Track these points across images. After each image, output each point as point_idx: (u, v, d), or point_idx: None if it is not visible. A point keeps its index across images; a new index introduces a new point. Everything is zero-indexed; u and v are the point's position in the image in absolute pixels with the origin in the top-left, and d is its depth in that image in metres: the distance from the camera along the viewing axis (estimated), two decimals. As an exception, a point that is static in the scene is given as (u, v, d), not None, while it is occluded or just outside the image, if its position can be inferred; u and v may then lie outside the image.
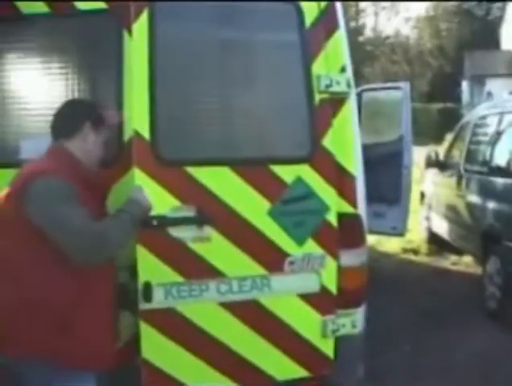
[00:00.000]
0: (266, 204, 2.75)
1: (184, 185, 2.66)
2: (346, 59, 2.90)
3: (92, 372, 2.37)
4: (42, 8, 2.85)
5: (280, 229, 2.77)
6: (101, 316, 2.37)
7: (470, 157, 6.69)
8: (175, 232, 2.65)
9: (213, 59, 2.87)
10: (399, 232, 5.58)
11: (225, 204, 2.70)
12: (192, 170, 2.67)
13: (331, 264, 2.86)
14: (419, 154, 7.88)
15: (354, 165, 2.90)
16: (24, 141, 2.89)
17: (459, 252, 7.32)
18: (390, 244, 8.01)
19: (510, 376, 4.18)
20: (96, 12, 2.84)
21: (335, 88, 2.83)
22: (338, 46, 2.88)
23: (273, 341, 2.81)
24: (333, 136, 2.82)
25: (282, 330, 2.81)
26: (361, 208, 2.94)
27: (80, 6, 2.85)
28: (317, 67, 2.82)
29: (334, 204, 2.83)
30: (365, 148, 3.14)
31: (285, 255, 2.79)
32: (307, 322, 2.86)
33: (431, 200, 8.18)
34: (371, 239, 6.71)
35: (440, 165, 7.79)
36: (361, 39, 42.70)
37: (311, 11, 2.84)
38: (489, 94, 26.67)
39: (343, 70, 2.87)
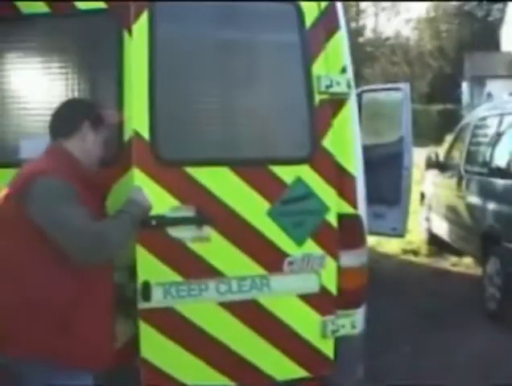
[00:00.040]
0: (265, 204, 2.75)
1: (184, 185, 2.66)
2: (347, 60, 2.90)
3: (91, 372, 2.37)
4: (42, 8, 2.85)
5: (279, 229, 2.77)
6: (100, 316, 2.37)
7: (470, 158, 6.69)
8: (175, 232, 2.65)
9: (213, 60, 2.87)
10: (399, 233, 5.58)
11: (224, 204, 2.70)
12: (191, 170, 2.67)
13: (331, 265, 2.85)
14: (419, 156, 7.88)
15: (354, 165, 2.90)
16: (24, 140, 2.89)
17: (459, 253, 7.32)
18: (390, 245, 8.01)
19: (510, 377, 4.17)
20: (96, 12, 2.83)
21: (335, 89, 2.83)
22: (339, 46, 2.88)
23: (272, 341, 2.80)
24: (333, 136, 2.82)
25: (281, 330, 2.81)
26: (362, 209, 2.93)
27: (80, 6, 2.84)
28: (317, 68, 2.82)
29: (334, 205, 2.83)
30: (366, 149, 3.14)
31: (284, 255, 2.79)
32: (306, 323, 2.86)
33: (431, 201, 8.18)
34: (371, 240, 6.70)
35: (440, 166, 7.79)
36: (361, 39, 42.74)
37: (311, 11, 2.84)
38: (489, 95, 26.70)
39: (343, 70, 2.87)
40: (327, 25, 2.86)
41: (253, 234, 2.74)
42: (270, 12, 2.87)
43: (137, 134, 2.60)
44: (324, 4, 2.86)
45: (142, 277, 2.60)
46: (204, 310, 2.73)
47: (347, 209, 2.88)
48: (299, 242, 2.80)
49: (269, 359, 2.81)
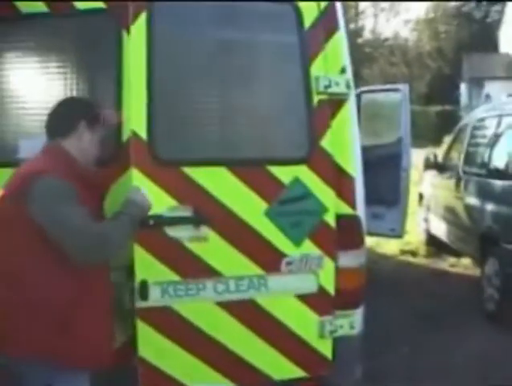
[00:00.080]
0: (263, 205, 2.75)
1: (181, 185, 2.67)
2: (346, 60, 2.90)
3: (90, 371, 2.37)
4: (41, 8, 2.85)
5: (277, 229, 2.77)
6: (100, 316, 2.37)
7: (469, 159, 6.69)
8: (172, 232, 2.65)
9: (211, 60, 2.87)
10: (397, 233, 5.58)
11: (221, 204, 2.70)
12: (188, 170, 2.67)
13: (329, 265, 2.85)
14: (417, 157, 7.87)
15: (353, 166, 2.90)
16: (23, 140, 2.89)
17: (457, 253, 7.32)
18: (389, 246, 8.01)
19: (509, 378, 4.18)
20: (94, 12, 2.83)
21: (334, 89, 2.83)
22: (338, 47, 2.88)
23: (270, 341, 2.80)
24: (332, 137, 2.82)
25: (279, 330, 2.81)
26: (360, 209, 2.93)
27: (79, 5, 2.84)
28: (316, 68, 2.82)
29: (332, 205, 2.83)
30: (364, 150, 3.14)
31: (282, 255, 2.79)
32: (304, 323, 2.86)
33: (429, 202, 8.18)
34: (369, 240, 6.69)
35: (439, 167, 7.80)
36: (360, 40, 42.70)
37: (310, 12, 2.83)
38: (488, 96, 26.72)
39: (342, 71, 2.87)
40: (326, 25, 2.86)
41: (251, 234, 2.74)
42: (268, 12, 2.87)
43: (134, 134, 2.60)
44: (323, 4, 2.86)
45: (139, 276, 2.61)
46: (202, 309, 2.73)
47: (346, 210, 2.88)
48: (297, 242, 2.80)
49: (266, 358, 2.81)
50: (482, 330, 5.15)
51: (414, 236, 8.42)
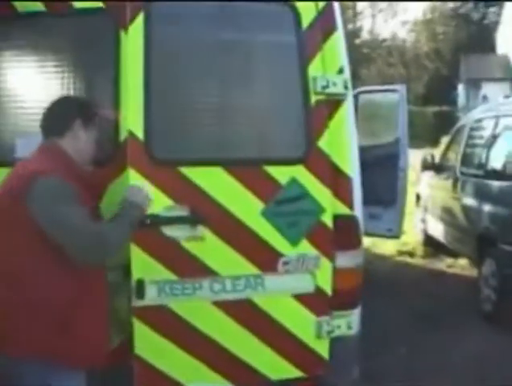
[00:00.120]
0: (259, 205, 2.75)
1: (178, 185, 2.67)
2: (344, 61, 2.90)
3: (88, 371, 2.37)
4: (38, 7, 2.84)
5: (274, 229, 2.77)
6: (99, 316, 2.37)
7: (466, 160, 6.70)
8: (169, 231, 2.66)
9: (208, 60, 2.86)
10: (395, 234, 5.59)
11: (218, 204, 2.70)
12: (185, 170, 2.67)
13: (326, 265, 2.85)
14: (414, 157, 7.89)
15: (350, 166, 2.90)
16: (20, 139, 2.88)
17: (454, 254, 7.33)
18: (386, 246, 8.01)
19: (506, 378, 4.18)
20: (92, 11, 2.83)
21: (331, 90, 2.83)
22: (336, 47, 2.87)
23: (267, 340, 2.80)
24: (329, 137, 2.82)
25: (276, 330, 2.81)
26: (357, 210, 2.93)
27: (77, 5, 2.84)
28: (313, 69, 2.82)
29: (329, 205, 2.83)
30: (362, 150, 3.14)
31: (279, 255, 2.79)
32: (301, 323, 2.86)
33: (426, 203, 8.19)
34: (366, 241, 6.71)
35: (436, 168, 7.81)
36: (357, 41, 42.73)
37: (308, 12, 2.83)
38: (485, 97, 26.77)
39: (340, 71, 2.87)
40: (324, 25, 2.85)
41: (248, 234, 2.74)
42: (266, 12, 2.87)
43: (131, 134, 2.61)
44: (321, 5, 2.86)
45: (136, 274, 2.61)
46: (198, 308, 2.73)
47: (343, 210, 2.88)
48: (294, 242, 2.80)
49: (263, 358, 2.81)
50: (479, 331, 5.16)
51: (412, 236, 8.42)
